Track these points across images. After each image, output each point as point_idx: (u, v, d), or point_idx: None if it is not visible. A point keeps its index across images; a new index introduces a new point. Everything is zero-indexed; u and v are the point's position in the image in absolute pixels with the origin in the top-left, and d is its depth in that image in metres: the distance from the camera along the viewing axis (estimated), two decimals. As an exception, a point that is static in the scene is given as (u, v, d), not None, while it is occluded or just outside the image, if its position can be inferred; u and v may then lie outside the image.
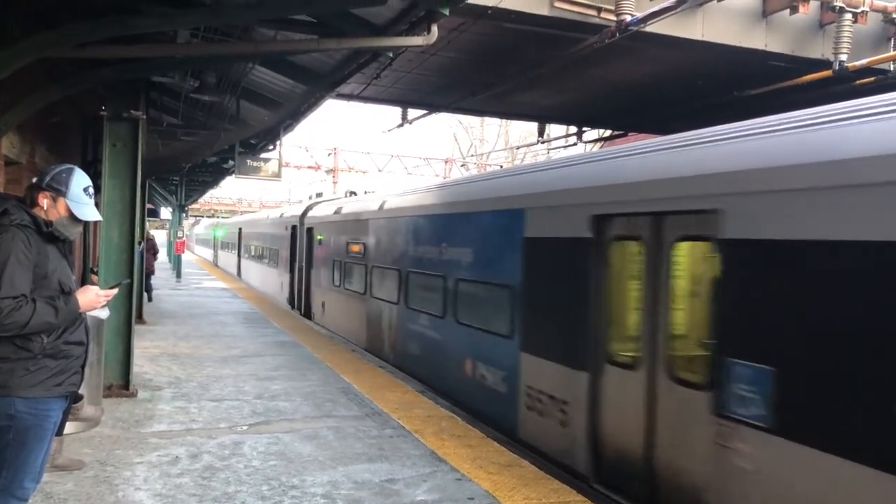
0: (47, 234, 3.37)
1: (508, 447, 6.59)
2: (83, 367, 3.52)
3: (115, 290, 3.67)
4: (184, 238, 29.54)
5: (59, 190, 3.45)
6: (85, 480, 5.22)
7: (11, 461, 3.22)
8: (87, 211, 3.53)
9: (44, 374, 3.27)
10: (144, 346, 10.92)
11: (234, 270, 33.81)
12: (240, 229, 32.73)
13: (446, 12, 6.57)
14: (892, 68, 10.19)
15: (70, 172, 3.51)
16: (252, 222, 30.99)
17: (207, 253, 51.06)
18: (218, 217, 62.05)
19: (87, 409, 6.22)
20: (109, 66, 7.46)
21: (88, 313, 3.58)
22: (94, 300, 3.44)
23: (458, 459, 6.06)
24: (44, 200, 3.43)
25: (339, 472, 5.66)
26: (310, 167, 43.80)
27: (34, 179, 3.56)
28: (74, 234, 3.55)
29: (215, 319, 15.37)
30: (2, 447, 3.20)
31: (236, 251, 33.76)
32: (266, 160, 14.36)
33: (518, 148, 31.28)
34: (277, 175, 13.83)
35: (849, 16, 9.81)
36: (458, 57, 11.23)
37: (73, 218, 3.50)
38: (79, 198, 3.49)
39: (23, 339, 3.20)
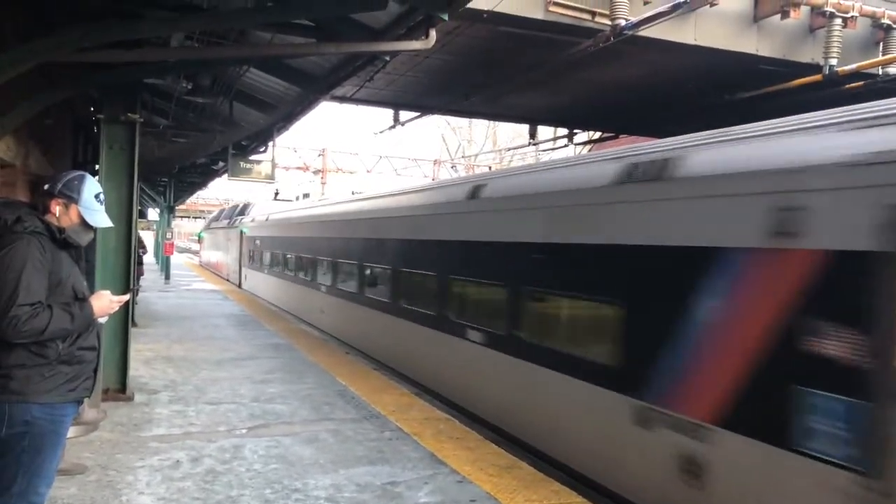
0: (60, 240, 3.39)
1: (507, 449, 6.64)
2: (95, 371, 3.54)
3: (128, 296, 3.69)
4: (172, 241, 28.97)
5: (70, 197, 3.48)
6: (88, 485, 5.22)
7: (27, 467, 3.23)
8: (99, 217, 3.57)
9: (59, 380, 3.29)
10: (138, 349, 10.86)
11: None
12: None
13: (445, 17, 6.61)
14: (880, 73, 10.32)
15: (82, 179, 3.54)
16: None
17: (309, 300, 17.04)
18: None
19: (88, 412, 6.22)
20: (106, 70, 7.45)
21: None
22: (108, 306, 3.47)
23: (458, 461, 6.11)
24: (56, 207, 3.46)
25: (340, 474, 5.69)
26: (298, 168, 43.58)
27: (45, 186, 3.57)
28: (86, 240, 3.58)
29: (207, 322, 15.32)
30: (18, 453, 3.21)
31: None
32: (258, 161, 14.30)
33: (508, 150, 31.27)
34: (271, 177, 13.79)
35: (839, 21, 9.95)
36: (453, 60, 11.26)
37: (84, 224, 3.53)
38: (90, 204, 3.52)
39: (38, 346, 3.22)
